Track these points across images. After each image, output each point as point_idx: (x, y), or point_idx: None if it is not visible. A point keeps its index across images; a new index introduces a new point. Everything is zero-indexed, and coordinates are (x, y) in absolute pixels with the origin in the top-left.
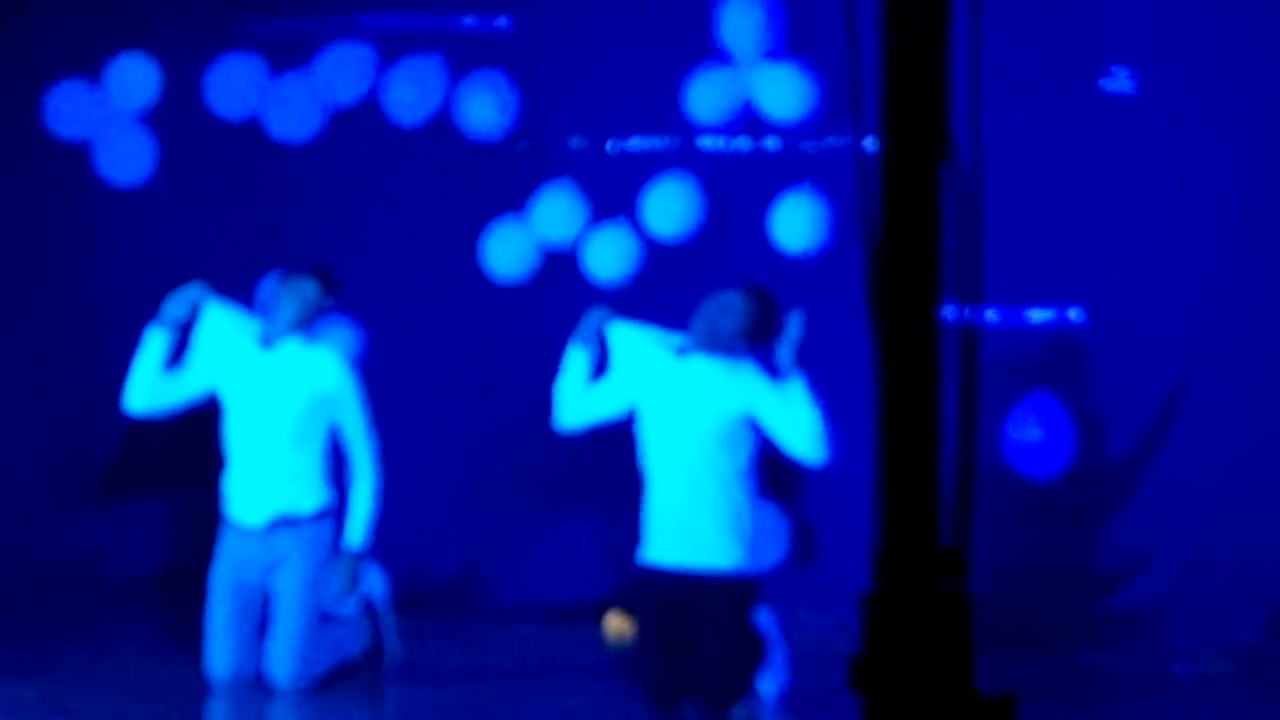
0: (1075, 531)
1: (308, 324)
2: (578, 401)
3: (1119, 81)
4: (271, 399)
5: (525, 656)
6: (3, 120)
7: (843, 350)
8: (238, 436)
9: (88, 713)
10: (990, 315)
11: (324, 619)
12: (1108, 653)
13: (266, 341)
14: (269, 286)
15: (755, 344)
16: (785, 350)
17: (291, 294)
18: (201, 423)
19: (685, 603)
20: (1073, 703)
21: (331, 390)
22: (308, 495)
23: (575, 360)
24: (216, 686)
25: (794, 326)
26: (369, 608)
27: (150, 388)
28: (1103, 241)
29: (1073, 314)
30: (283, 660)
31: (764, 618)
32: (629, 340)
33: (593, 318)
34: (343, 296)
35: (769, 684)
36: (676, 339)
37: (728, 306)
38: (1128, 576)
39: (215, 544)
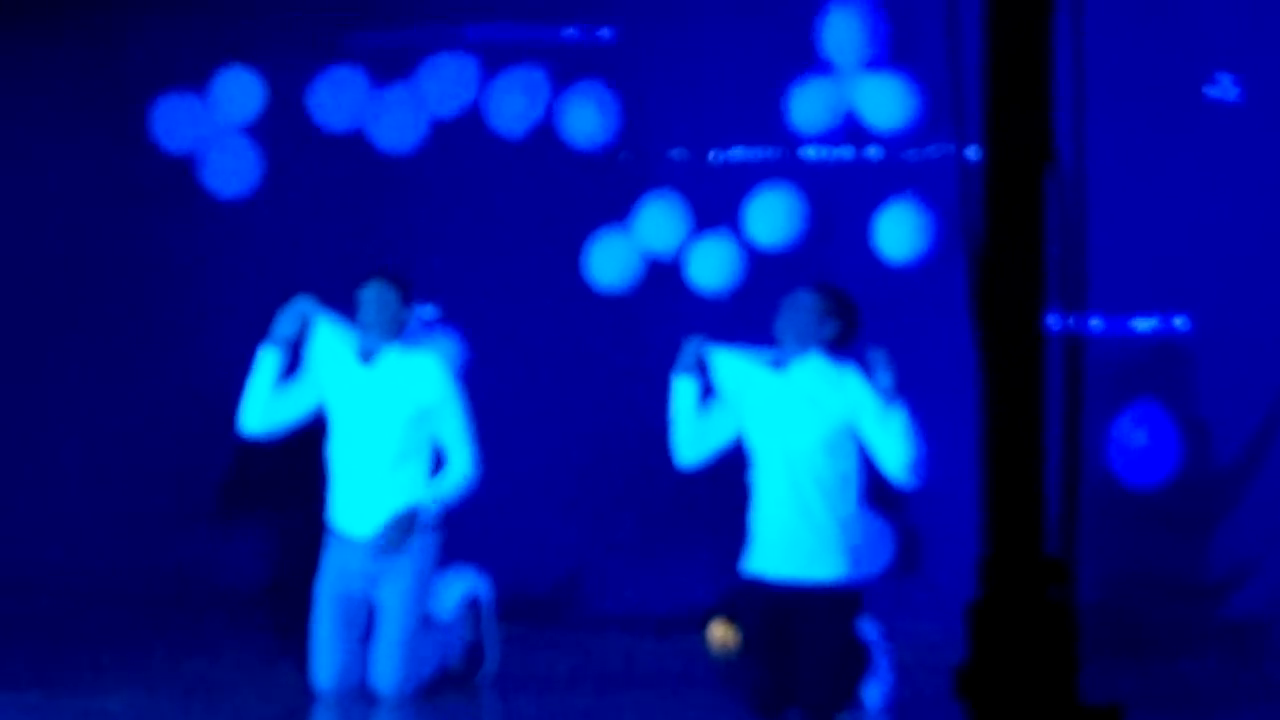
0: (1182, 539)
1: (396, 329)
2: (693, 435)
3: (1223, 88)
4: (375, 413)
5: (628, 666)
6: (110, 133)
7: (946, 359)
8: (343, 450)
9: None
10: (1094, 323)
11: (426, 624)
12: (1215, 661)
13: (366, 356)
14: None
15: (837, 341)
16: (882, 381)
17: (365, 302)
18: (306, 435)
19: (790, 612)
20: (1180, 712)
21: (434, 400)
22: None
23: (682, 392)
24: (322, 696)
25: (881, 361)
26: (473, 612)
27: (265, 408)
28: (1207, 248)
29: (1178, 321)
30: (387, 669)
31: (869, 628)
32: (729, 364)
33: (690, 347)
34: (445, 306)
35: (874, 694)
36: (769, 354)
37: (799, 304)
38: (1235, 584)
39: (320, 555)
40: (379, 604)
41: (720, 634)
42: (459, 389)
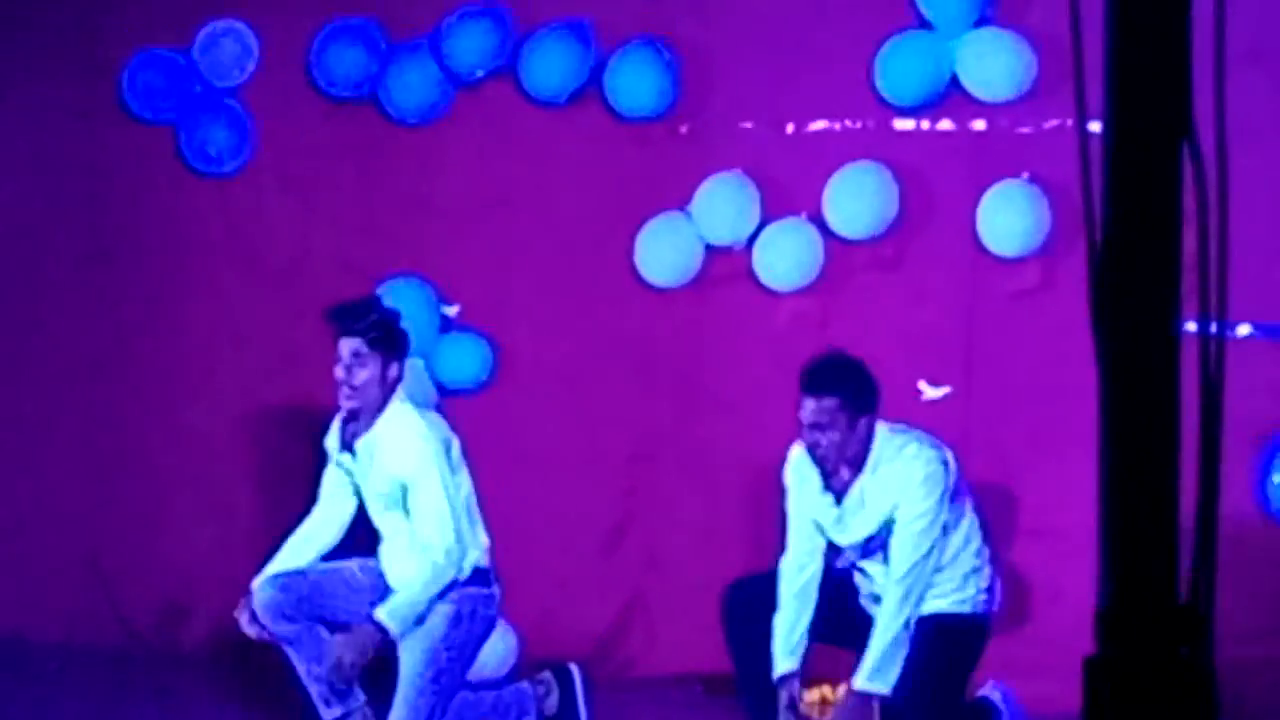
0: None
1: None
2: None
3: None
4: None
5: None
6: (81, 97)
7: (1061, 369)
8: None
9: None
10: (1240, 330)
11: (474, 687)
12: None
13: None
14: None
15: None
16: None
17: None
18: None
19: None
20: None
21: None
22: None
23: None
24: None
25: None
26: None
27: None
28: None
29: None
30: None
31: (998, 690)
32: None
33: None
34: (470, 304)
35: None
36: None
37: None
38: None
39: None
40: (400, 660)
41: (816, 698)
42: (436, 456)
